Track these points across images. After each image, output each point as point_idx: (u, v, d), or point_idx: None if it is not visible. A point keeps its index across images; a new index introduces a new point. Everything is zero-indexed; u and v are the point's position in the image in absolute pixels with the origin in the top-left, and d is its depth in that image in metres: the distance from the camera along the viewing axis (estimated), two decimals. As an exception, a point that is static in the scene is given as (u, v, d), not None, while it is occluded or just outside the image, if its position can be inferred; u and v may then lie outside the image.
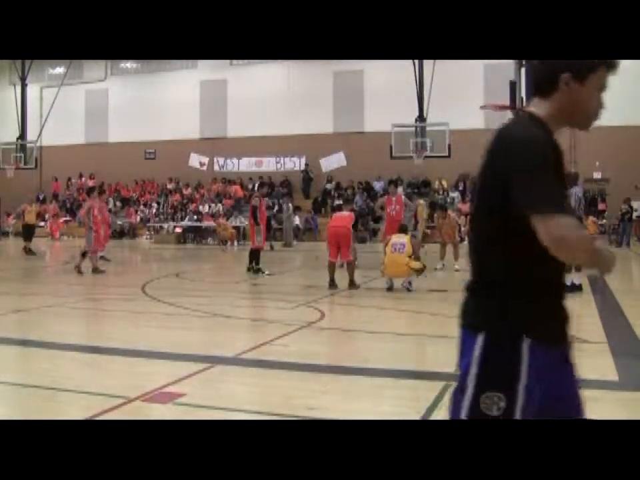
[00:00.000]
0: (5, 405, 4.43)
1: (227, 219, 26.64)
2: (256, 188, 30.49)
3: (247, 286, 12.03)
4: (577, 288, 10.01)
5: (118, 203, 32.73)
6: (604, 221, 25.08)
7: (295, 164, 31.08)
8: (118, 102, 33.93)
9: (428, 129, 22.04)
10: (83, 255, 13.44)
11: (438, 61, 21.19)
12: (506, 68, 16.04)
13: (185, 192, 32.27)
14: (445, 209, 15.15)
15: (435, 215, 15.54)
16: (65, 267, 13.76)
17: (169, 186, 32.89)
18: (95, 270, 13.33)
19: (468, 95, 26.54)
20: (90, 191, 14.86)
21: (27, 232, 20.73)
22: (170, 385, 4.69)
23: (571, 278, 10.10)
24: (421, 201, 18.52)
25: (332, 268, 10.72)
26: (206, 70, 32.03)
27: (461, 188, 28.50)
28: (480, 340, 1.80)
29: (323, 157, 27.79)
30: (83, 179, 34.55)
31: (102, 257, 16.71)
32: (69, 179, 34.38)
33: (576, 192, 10.18)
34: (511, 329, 1.78)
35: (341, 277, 10.80)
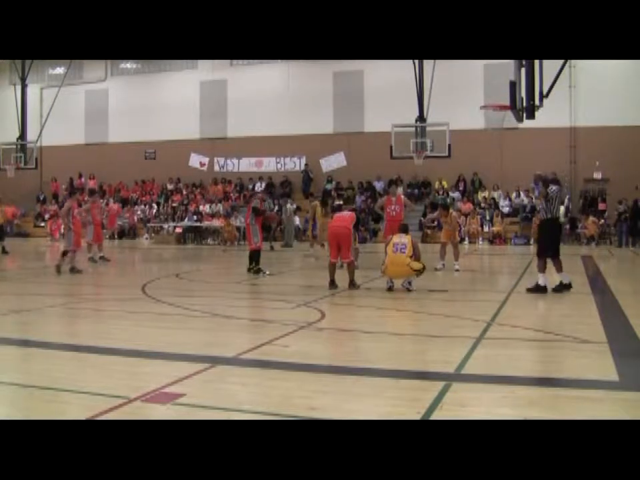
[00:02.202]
0: (5, 405, 4.43)
1: (229, 219, 26.62)
2: (256, 188, 30.48)
3: (247, 286, 12.03)
4: (565, 287, 9.99)
5: (118, 203, 32.73)
6: (602, 221, 25.08)
7: (295, 164, 31.08)
8: (118, 102, 33.93)
9: (428, 129, 22.04)
10: (64, 254, 13.71)
11: (438, 61, 21.19)
12: (506, 68, 16.02)
13: (185, 192, 32.27)
14: (447, 208, 15.01)
15: (436, 214, 15.50)
16: (66, 267, 13.77)
17: (169, 186, 32.89)
18: (73, 269, 13.56)
19: (468, 95, 26.55)
20: (72, 192, 15.10)
21: None
22: (170, 385, 4.69)
23: (559, 278, 10.08)
24: (316, 202, 18.65)
25: (332, 268, 10.72)
26: (206, 70, 32.03)
27: (461, 188, 28.50)
28: None
29: (323, 157, 27.78)
30: (83, 179, 34.54)
31: (102, 257, 16.72)
32: (71, 179, 34.38)
33: (553, 190, 10.10)
34: None
35: (342, 278, 10.80)
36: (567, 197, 26.73)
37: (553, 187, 10.22)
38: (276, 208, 27.74)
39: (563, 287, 10.01)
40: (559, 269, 10.13)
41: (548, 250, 10.18)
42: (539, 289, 9.96)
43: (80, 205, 15.74)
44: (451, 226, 14.47)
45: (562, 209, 25.06)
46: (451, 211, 15.02)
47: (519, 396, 4.56)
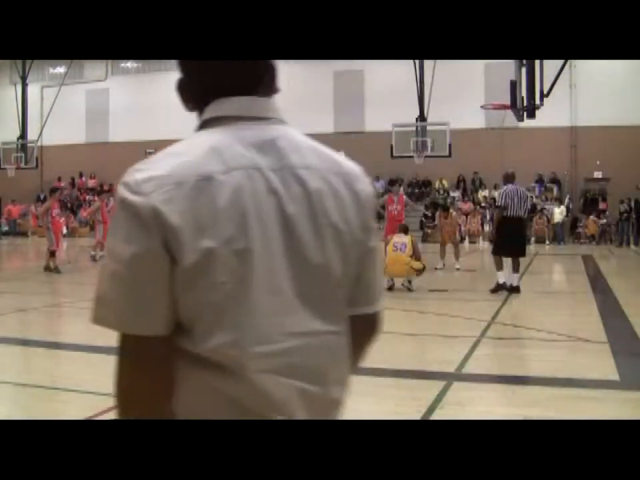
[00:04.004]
0: (6, 405, 4.44)
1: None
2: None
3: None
4: (500, 287, 9.97)
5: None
6: (604, 220, 25.06)
7: (295, 164, 31.10)
8: (118, 102, 33.93)
9: (428, 128, 22.02)
10: (52, 254, 13.67)
11: (438, 61, 21.18)
12: (506, 67, 16.03)
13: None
14: (447, 208, 15.14)
15: (437, 214, 15.54)
16: (66, 266, 13.78)
17: (170, 186, 32.93)
18: (49, 268, 13.56)
19: (468, 95, 26.53)
20: (52, 191, 15.00)
21: None
22: (170, 384, 4.70)
23: (509, 279, 10.05)
24: None
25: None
26: (206, 70, 32.03)
27: (461, 187, 28.51)
28: None
29: (324, 156, 27.71)
30: (84, 178, 34.58)
31: (102, 257, 16.73)
32: (72, 179, 34.45)
33: (510, 189, 10.02)
34: None
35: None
36: (567, 196, 26.72)
37: (508, 186, 10.15)
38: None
39: (498, 288, 9.98)
40: (498, 265, 10.10)
41: (501, 249, 10.16)
42: (499, 287, 9.99)
43: (65, 204, 15.76)
44: (452, 226, 14.56)
45: (562, 208, 25.15)
46: (451, 211, 15.09)
47: (519, 395, 4.57)
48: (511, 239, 9.98)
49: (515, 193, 9.91)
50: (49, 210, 13.98)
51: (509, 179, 10.37)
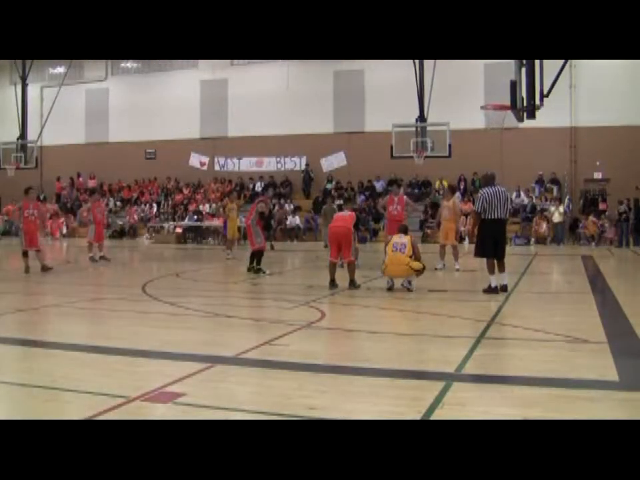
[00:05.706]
0: (5, 405, 4.43)
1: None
2: (256, 187, 30.49)
3: (247, 286, 12.03)
4: (503, 288, 9.97)
5: (118, 203, 32.76)
6: (605, 220, 25.05)
7: (295, 164, 31.08)
8: (118, 102, 33.94)
9: (428, 128, 22.02)
10: (24, 254, 13.62)
11: (438, 61, 21.17)
12: (506, 68, 16.03)
13: (185, 191, 32.28)
14: (453, 191, 15.02)
15: (438, 211, 15.49)
16: (65, 266, 13.77)
17: (169, 186, 32.90)
18: (44, 268, 13.64)
19: (468, 95, 26.54)
20: (26, 190, 14.97)
21: None
22: (170, 384, 4.69)
23: (497, 280, 10.03)
24: (226, 199, 19.31)
25: (332, 268, 10.73)
26: (206, 70, 32.03)
27: (461, 188, 28.49)
28: None
29: (324, 156, 27.75)
30: (82, 178, 34.57)
31: (102, 257, 16.73)
32: (72, 179, 34.44)
33: (487, 192, 9.96)
34: None
35: (342, 277, 10.80)
36: (567, 197, 26.72)
37: (486, 189, 10.12)
38: (276, 207, 27.68)
39: (490, 290, 9.98)
40: (490, 269, 10.08)
41: (483, 251, 10.14)
42: (491, 290, 9.98)
43: (64, 205, 15.82)
44: (454, 211, 14.27)
45: (561, 208, 25.14)
46: (456, 194, 14.80)
47: (518, 396, 4.56)
48: (491, 240, 10.02)
49: (493, 195, 9.89)
50: (21, 210, 14.01)
51: (488, 180, 10.34)
